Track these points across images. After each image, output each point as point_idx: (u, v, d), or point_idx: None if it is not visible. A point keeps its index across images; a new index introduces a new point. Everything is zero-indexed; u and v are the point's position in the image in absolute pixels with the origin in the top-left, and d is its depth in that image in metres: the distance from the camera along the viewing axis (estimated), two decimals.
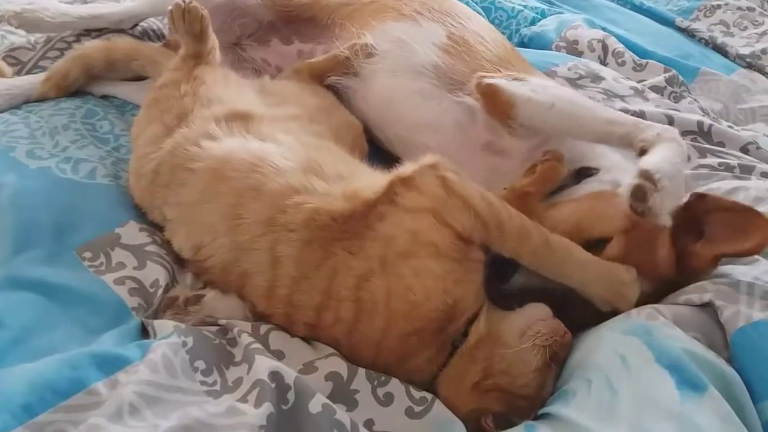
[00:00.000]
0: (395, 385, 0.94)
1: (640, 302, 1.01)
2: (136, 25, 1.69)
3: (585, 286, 1.02)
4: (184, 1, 1.22)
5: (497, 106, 1.25)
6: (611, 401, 0.87)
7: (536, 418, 0.95)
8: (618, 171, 1.21)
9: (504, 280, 1.04)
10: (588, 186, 1.19)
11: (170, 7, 1.23)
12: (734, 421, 0.84)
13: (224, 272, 1.06)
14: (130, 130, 1.30)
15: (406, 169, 1.03)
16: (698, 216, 1.07)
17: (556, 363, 0.98)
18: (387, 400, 0.92)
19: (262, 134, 1.12)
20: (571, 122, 1.16)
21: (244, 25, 1.53)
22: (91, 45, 1.51)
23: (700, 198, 1.07)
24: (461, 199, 0.99)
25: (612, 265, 1.02)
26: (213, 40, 1.29)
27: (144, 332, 1.03)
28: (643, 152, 1.09)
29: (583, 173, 1.24)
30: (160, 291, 1.09)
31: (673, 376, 0.87)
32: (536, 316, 0.99)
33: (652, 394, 0.85)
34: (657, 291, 1.05)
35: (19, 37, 1.60)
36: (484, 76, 1.28)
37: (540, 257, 1.00)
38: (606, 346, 0.95)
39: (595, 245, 1.05)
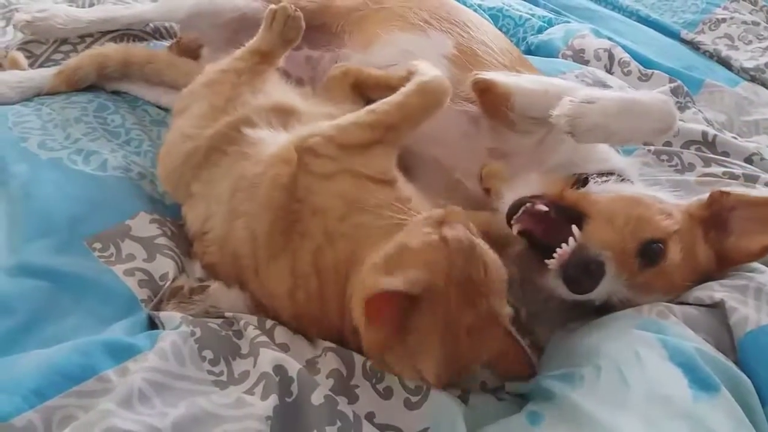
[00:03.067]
0: (392, 379, 0.94)
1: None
2: (147, 24, 1.71)
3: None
4: (292, 8, 1.25)
5: (494, 100, 1.26)
6: (622, 392, 0.87)
7: (538, 398, 0.95)
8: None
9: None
10: (615, 186, 1.18)
11: (275, 6, 1.25)
12: (745, 423, 0.84)
13: (221, 251, 1.08)
14: (174, 104, 1.30)
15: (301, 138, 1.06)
16: (721, 213, 1.09)
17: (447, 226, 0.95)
18: (387, 393, 0.93)
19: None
20: None
21: (254, 35, 1.54)
22: (109, 45, 1.55)
23: (723, 195, 1.09)
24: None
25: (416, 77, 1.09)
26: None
27: (152, 325, 1.04)
28: None
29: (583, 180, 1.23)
30: (169, 284, 1.09)
31: (686, 375, 0.87)
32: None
33: (665, 391, 0.86)
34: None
35: None
36: (479, 73, 1.30)
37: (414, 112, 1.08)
38: (618, 337, 0.96)
39: (649, 247, 1.03)
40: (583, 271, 0.99)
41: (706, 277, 1.07)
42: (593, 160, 1.26)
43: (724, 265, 1.08)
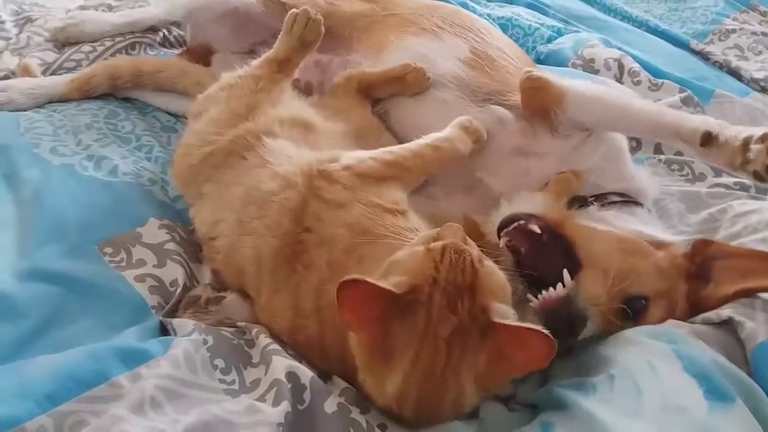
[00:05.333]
0: None
1: None
2: (159, 31, 1.75)
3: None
4: (313, 12, 1.27)
5: (545, 99, 1.24)
6: (636, 402, 0.87)
7: (550, 407, 0.94)
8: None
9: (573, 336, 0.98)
10: (626, 219, 1.16)
11: (296, 10, 1.27)
12: None
13: (226, 260, 1.09)
14: (190, 107, 1.30)
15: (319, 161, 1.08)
16: (704, 262, 1.07)
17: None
18: None
19: (319, 147, 1.16)
20: (620, 113, 1.18)
21: (255, 33, 1.56)
22: (121, 57, 1.61)
23: (705, 244, 1.08)
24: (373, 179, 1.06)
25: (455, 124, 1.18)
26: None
27: (163, 331, 1.04)
28: (707, 138, 1.10)
29: (602, 199, 1.22)
30: (179, 290, 1.10)
31: (701, 385, 0.86)
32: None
33: (680, 402, 0.85)
34: None
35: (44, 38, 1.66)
36: (532, 71, 1.28)
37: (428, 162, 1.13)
38: (631, 346, 0.95)
39: (633, 303, 1.02)
40: (566, 324, 0.97)
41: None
42: (619, 176, 1.25)
43: (695, 313, 1.05)
